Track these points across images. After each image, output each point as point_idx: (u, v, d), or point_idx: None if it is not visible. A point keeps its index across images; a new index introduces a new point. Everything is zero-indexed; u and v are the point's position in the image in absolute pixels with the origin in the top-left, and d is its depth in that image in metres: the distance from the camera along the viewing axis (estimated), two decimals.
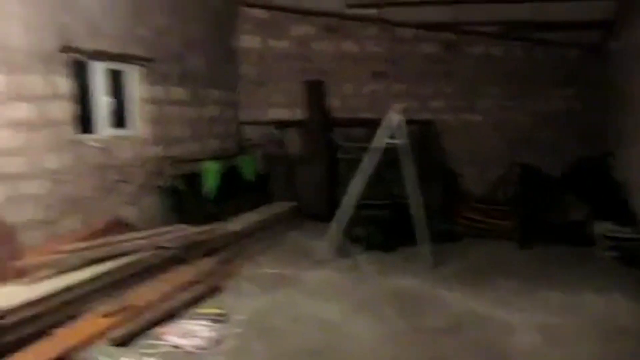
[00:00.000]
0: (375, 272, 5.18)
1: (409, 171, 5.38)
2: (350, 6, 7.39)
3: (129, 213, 5.47)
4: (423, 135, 7.37)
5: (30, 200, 4.38)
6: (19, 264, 3.66)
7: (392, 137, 5.41)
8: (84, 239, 4.74)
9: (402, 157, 5.36)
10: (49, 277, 3.72)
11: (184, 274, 4.54)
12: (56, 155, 4.65)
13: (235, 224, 5.87)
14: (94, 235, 4.90)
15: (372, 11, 7.59)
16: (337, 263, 5.41)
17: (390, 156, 5.47)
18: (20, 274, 3.66)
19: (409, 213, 5.44)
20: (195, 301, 4.20)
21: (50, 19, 4.54)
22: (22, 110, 4.31)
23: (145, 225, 5.57)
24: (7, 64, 4.17)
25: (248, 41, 7.89)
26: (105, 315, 3.53)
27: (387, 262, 5.52)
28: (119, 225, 5.24)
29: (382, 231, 6.14)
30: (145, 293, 4.03)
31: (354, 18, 7.70)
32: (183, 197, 6.00)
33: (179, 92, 6.38)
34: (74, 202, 4.82)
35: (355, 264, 5.45)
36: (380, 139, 5.48)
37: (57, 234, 4.61)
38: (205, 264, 4.84)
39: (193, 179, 6.20)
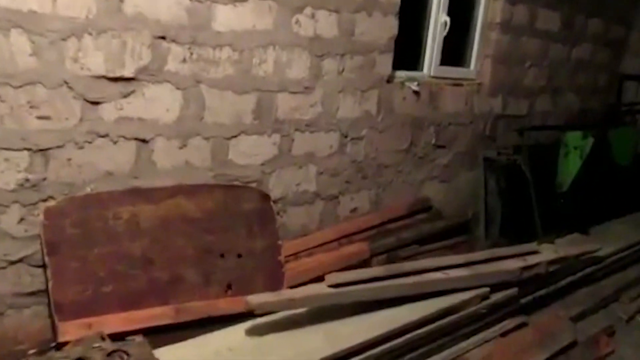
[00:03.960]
0: None
1: None
2: None
3: (436, 192, 3.68)
4: None
5: (305, 163, 2.91)
6: (252, 300, 2.05)
7: None
8: (371, 228, 3.19)
9: None
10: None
11: (525, 337, 2.55)
12: (357, 98, 3.04)
13: (604, 243, 3.47)
14: (388, 221, 3.31)
15: None
16: None
17: None
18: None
19: None
20: None
21: None
22: (320, 23, 2.77)
23: (455, 212, 3.76)
24: None
25: None
26: None
27: None
28: (422, 211, 3.53)
29: None
30: None
31: None
32: (520, 182, 3.88)
33: (549, 18, 4.09)
34: (366, 170, 3.22)
35: None
36: None
37: (335, 214, 3.10)
38: (553, 322, 2.75)
39: (540, 156, 3.99)
